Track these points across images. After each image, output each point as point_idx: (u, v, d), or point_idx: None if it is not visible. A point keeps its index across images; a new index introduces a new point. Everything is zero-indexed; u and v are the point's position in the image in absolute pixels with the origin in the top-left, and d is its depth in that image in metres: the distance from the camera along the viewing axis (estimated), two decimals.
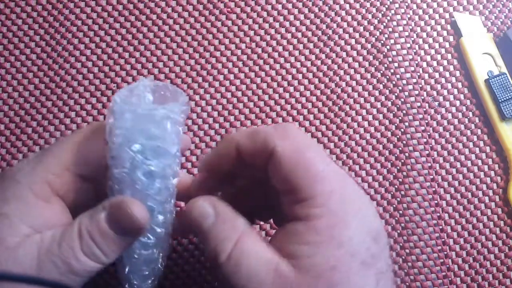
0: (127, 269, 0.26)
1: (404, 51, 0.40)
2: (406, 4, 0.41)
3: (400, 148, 0.39)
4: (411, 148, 0.39)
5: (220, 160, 0.27)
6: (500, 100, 0.38)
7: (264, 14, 0.41)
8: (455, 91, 0.40)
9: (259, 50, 0.40)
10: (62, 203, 0.26)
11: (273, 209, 0.28)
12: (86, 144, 0.26)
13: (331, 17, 0.41)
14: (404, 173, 0.38)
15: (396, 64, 0.40)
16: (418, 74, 0.40)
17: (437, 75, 0.40)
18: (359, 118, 0.39)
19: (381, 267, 0.24)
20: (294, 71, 0.40)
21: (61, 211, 0.26)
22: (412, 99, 0.40)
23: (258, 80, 0.40)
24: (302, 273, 0.23)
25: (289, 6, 0.41)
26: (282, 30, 0.41)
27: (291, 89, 0.40)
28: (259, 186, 0.28)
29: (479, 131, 0.39)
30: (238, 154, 0.26)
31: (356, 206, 0.24)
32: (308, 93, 0.40)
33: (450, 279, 0.37)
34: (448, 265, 0.37)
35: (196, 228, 0.25)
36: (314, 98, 0.40)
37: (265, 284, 0.23)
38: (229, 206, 0.26)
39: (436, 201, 0.38)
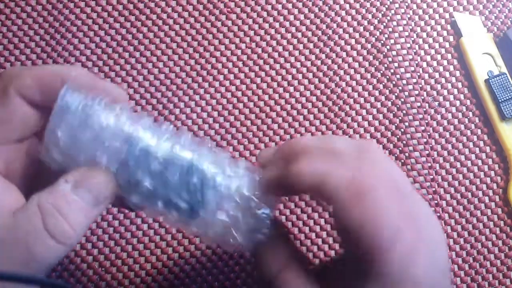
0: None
1: (404, 51, 0.40)
2: (406, 4, 0.41)
3: (400, 148, 0.39)
4: (411, 148, 0.39)
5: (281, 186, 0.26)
6: (500, 100, 0.38)
7: (264, 14, 0.41)
8: (455, 91, 0.40)
9: (259, 50, 0.40)
10: (8, 183, 0.24)
11: None
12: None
13: (331, 17, 0.41)
14: (404, 173, 0.38)
15: (396, 64, 0.40)
16: (418, 74, 0.40)
17: (437, 75, 0.40)
18: (359, 118, 0.39)
19: None
20: (294, 71, 0.40)
21: (11, 193, 0.23)
22: (412, 99, 0.40)
23: (258, 80, 0.40)
24: None
25: (289, 6, 0.41)
26: (282, 30, 0.41)
27: (291, 89, 0.40)
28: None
29: (479, 131, 0.39)
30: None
31: (421, 271, 0.22)
32: (308, 93, 0.40)
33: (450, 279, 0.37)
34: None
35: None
36: (314, 98, 0.40)
37: None
38: (279, 231, 0.26)
39: (436, 201, 0.38)
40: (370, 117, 0.39)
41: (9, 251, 0.21)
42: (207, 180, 0.24)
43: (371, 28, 0.41)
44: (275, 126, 0.39)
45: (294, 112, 0.39)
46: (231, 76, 0.40)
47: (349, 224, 0.22)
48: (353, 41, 0.40)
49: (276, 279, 0.24)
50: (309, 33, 0.41)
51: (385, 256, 0.22)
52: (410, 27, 0.41)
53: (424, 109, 0.39)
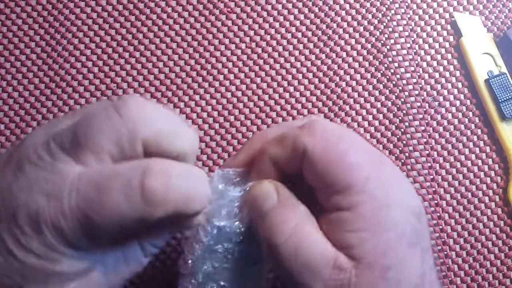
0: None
1: (404, 51, 0.40)
2: (406, 4, 0.41)
3: (400, 148, 0.39)
4: (411, 148, 0.39)
5: (261, 176, 0.27)
6: (500, 100, 0.38)
7: (264, 14, 0.41)
8: (455, 91, 0.40)
9: (259, 50, 0.40)
10: None
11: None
12: None
13: (331, 17, 0.41)
14: (404, 173, 0.38)
15: (396, 64, 0.40)
16: (418, 74, 0.40)
17: (437, 75, 0.40)
18: (359, 118, 0.39)
19: (424, 244, 0.24)
20: (294, 71, 0.40)
21: None
22: (412, 99, 0.40)
23: (258, 80, 0.40)
24: (357, 263, 0.23)
25: (289, 6, 0.41)
26: (282, 30, 0.41)
27: (291, 89, 0.40)
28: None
29: (479, 131, 0.39)
30: (275, 165, 0.26)
31: (395, 187, 0.25)
32: (308, 93, 0.40)
33: (450, 279, 0.37)
34: (448, 265, 0.37)
35: (255, 208, 0.26)
36: (314, 98, 0.40)
37: (322, 274, 0.23)
38: (291, 193, 0.26)
39: (436, 201, 0.38)
40: (370, 117, 0.39)
41: None
42: None
43: (371, 28, 0.41)
44: None
45: (294, 112, 0.39)
46: (231, 76, 0.40)
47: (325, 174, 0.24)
48: (353, 41, 0.40)
49: (292, 235, 0.24)
50: (309, 33, 0.41)
51: (362, 182, 0.24)
52: (410, 27, 0.41)
53: (424, 109, 0.39)
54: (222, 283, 0.27)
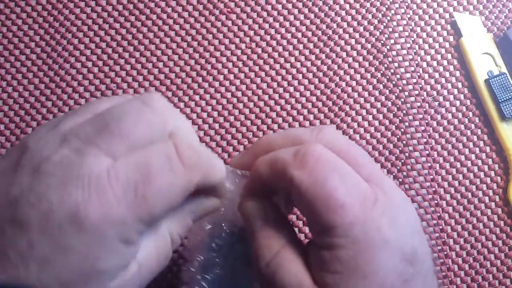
0: None
1: (404, 51, 0.40)
2: (406, 4, 0.41)
3: (400, 148, 0.39)
4: (411, 148, 0.39)
5: (253, 189, 0.27)
6: (500, 100, 0.38)
7: (264, 14, 0.41)
8: (455, 91, 0.40)
9: (259, 50, 0.40)
10: None
11: None
12: None
13: (331, 17, 0.41)
14: (404, 173, 0.38)
15: (396, 64, 0.40)
16: (418, 74, 0.40)
17: (437, 75, 0.40)
18: (359, 118, 0.39)
19: (414, 286, 0.23)
20: (294, 71, 0.40)
21: None
22: (412, 99, 0.40)
23: (258, 80, 0.40)
24: None
25: (289, 6, 0.41)
26: (282, 30, 0.41)
27: (291, 89, 0.40)
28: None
29: (479, 131, 0.39)
30: (266, 183, 0.26)
31: (385, 229, 0.23)
32: (308, 93, 0.40)
33: (450, 279, 0.37)
34: (448, 265, 0.37)
35: (246, 224, 0.26)
36: (314, 98, 0.40)
37: None
38: (278, 216, 0.26)
39: (436, 201, 0.38)
40: (370, 117, 0.39)
41: None
42: None
43: (371, 28, 0.41)
44: (275, 126, 0.39)
45: (294, 112, 0.39)
46: (231, 76, 0.40)
47: (309, 206, 0.24)
48: (353, 41, 0.40)
49: (272, 261, 0.24)
50: (309, 33, 0.41)
51: (345, 227, 0.23)
52: (410, 27, 0.41)
53: (424, 109, 0.39)
54: (217, 271, 0.27)
